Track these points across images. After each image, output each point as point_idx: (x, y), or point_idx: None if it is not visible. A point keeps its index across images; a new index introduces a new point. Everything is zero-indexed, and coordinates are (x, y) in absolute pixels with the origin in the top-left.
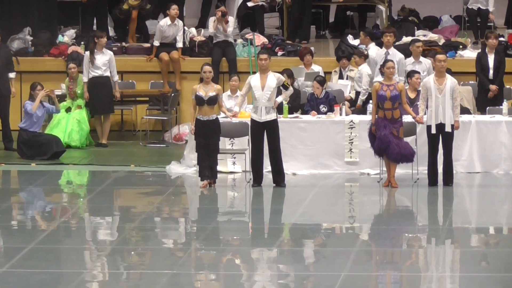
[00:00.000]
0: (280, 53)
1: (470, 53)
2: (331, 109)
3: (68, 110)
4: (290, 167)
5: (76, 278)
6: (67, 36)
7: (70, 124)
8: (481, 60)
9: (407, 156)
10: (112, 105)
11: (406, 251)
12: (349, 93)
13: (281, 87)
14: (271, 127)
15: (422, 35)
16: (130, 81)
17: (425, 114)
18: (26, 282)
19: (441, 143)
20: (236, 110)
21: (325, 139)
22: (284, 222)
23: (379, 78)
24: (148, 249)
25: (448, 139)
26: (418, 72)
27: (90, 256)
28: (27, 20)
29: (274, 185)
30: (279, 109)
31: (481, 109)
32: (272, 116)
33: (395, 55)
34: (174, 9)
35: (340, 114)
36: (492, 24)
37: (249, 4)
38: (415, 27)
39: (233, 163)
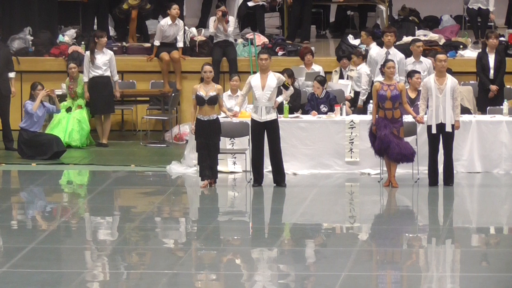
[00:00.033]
0: (280, 53)
1: (470, 53)
2: (331, 109)
3: (68, 110)
4: (291, 167)
5: (77, 278)
6: (68, 36)
7: (70, 124)
8: (481, 60)
9: (408, 156)
10: (113, 105)
11: (407, 251)
12: (350, 93)
13: (281, 87)
14: (272, 127)
15: (423, 34)
16: (131, 81)
17: (425, 114)
18: (26, 282)
19: (441, 143)
20: (237, 110)
21: (326, 139)
22: (284, 222)
23: (379, 78)
24: (149, 249)
25: (449, 139)
26: (419, 72)
27: (90, 256)
28: (28, 20)
29: (275, 185)
30: (280, 109)
31: (482, 109)
32: (273, 116)
33: (396, 55)
34: (175, 9)
35: (341, 114)
36: (492, 24)
37: (250, 3)
38: (416, 27)
39: (234, 163)
